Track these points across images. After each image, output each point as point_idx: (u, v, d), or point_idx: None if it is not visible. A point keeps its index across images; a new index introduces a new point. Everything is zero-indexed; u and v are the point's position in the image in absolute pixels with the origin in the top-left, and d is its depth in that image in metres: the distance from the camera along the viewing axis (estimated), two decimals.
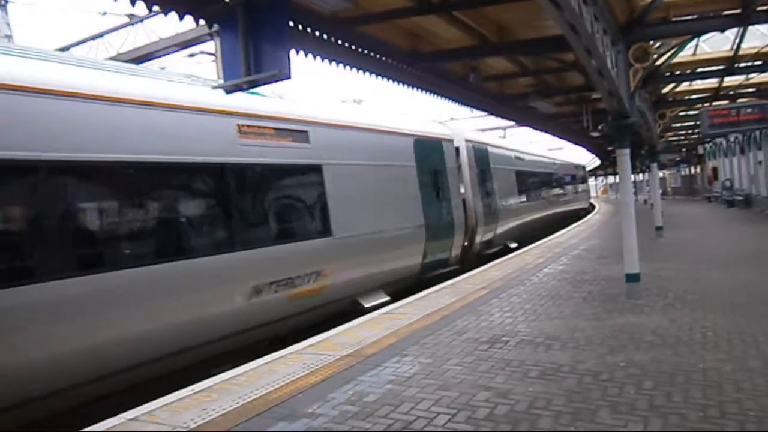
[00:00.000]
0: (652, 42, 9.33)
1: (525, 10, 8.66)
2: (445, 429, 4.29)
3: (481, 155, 16.27)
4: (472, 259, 14.60)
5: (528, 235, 20.08)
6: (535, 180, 24.39)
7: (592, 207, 41.68)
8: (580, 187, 40.12)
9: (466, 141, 15.39)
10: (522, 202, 21.06)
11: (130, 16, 14.95)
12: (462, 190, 14.55)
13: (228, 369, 6.16)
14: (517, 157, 21.64)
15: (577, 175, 39.38)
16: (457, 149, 14.53)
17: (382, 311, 8.67)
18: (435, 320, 7.81)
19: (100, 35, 15.76)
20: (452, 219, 13.38)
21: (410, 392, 5.09)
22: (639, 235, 8.94)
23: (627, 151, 8.84)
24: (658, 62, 10.61)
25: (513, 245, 17.81)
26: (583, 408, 4.51)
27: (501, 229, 17.19)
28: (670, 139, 32.18)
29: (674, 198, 52.31)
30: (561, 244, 17.06)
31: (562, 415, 4.40)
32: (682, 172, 58.64)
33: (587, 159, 50.98)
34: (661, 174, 42.57)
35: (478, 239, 15.16)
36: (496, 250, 16.73)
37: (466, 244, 14.36)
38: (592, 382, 5.09)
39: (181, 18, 5.66)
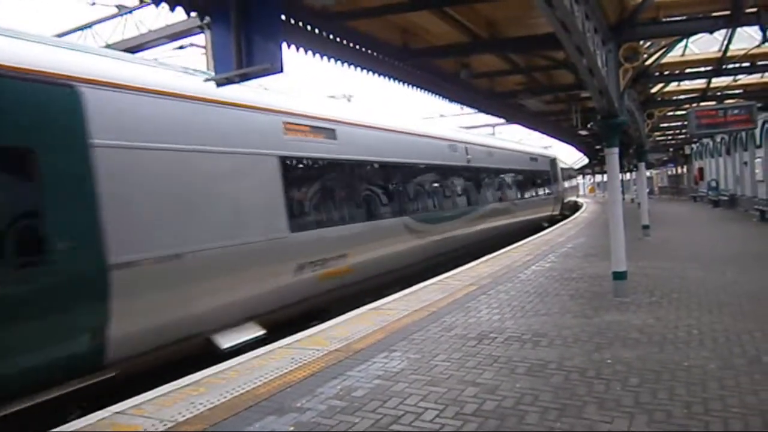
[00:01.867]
0: (642, 42, 9.40)
1: (516, 8, 8.68)
2: (433, 424, 4.31)
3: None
4: None
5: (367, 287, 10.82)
6: (395, 178, 12.90)
7: (565, 212, 32.73)
8: (541, 190, 27.29)
9: None
10: (335, 228, 10.11)
11: (119, 6, 14.84)
12: None
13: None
14: (302, 129, 9.67)
15: (538, 171, 27.03)
16: None
17: (370, 306, 8.68)
18: (423, 316, 7.84)
19: (89, 25, 15.62)
20: None
21: (398, 387, 5.11)
22: (626, 234, 9.00)
23: (616, 150, 8.89)
24: (648, 62, 10.69)
25: (229, 343, 7.35)
26: (569, 404, 4.55)
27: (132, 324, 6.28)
28: (658, 138, 32.40)
29: (660, 197, 52.73)
30: (549, 242, 17.14)
31: (549, 411, 4.43)
32: (669, 172, 59.11)
33: (575, 158, 51.20)
34: (648, 173, 42.55)
35: None
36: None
37: None
38: (579, 379, 5.14)
39: (172, 9, 5.62)
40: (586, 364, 5.54)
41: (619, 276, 8.58)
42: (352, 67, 9.10)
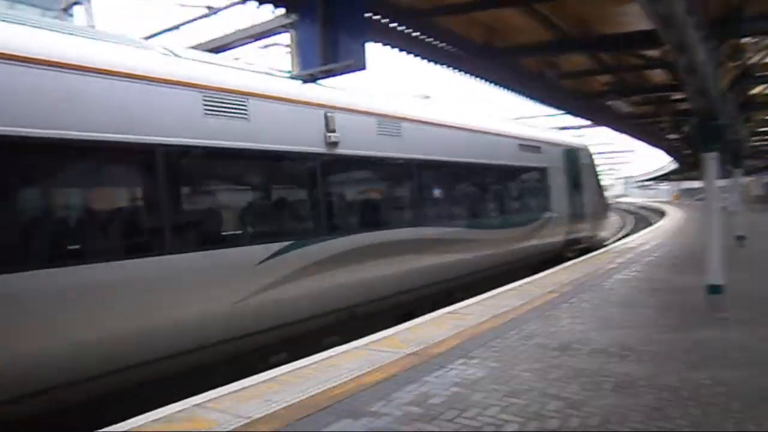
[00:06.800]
0: (747, 39, 8.77)
1: (606, 3, 8.30)
2: None
3: None
4: None
5: None
6: None
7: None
8: None
9: None
10: None
11: (209, 7, 15.23)
12: None
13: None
14: None
15: None
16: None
17: (446, 310, 8.51)
18: (502, 322, 7.59)
19: (176, 27, 16.11)
20: None
21: (477, 397, 4.91)
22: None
23: (714, 154, 8.33)
24: (752, 61, 9.96)
25: None
26: (663, 427, 4.22)
27: None
28: (755, 143, 30.43)
29: (754, 207, 49.61)
30: (633, 250, 16.39)
31: None
32: (766, 180, 55.65)
33: (664, 161, 48.88)
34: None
35: None
36: None
37: None
38: (671, 399, 4.76)
39: (259, 5, 5.64)
40: (679, 383, 5.15)
41: (714, 290, 8.03)
42: (435, 63, 8.96)
